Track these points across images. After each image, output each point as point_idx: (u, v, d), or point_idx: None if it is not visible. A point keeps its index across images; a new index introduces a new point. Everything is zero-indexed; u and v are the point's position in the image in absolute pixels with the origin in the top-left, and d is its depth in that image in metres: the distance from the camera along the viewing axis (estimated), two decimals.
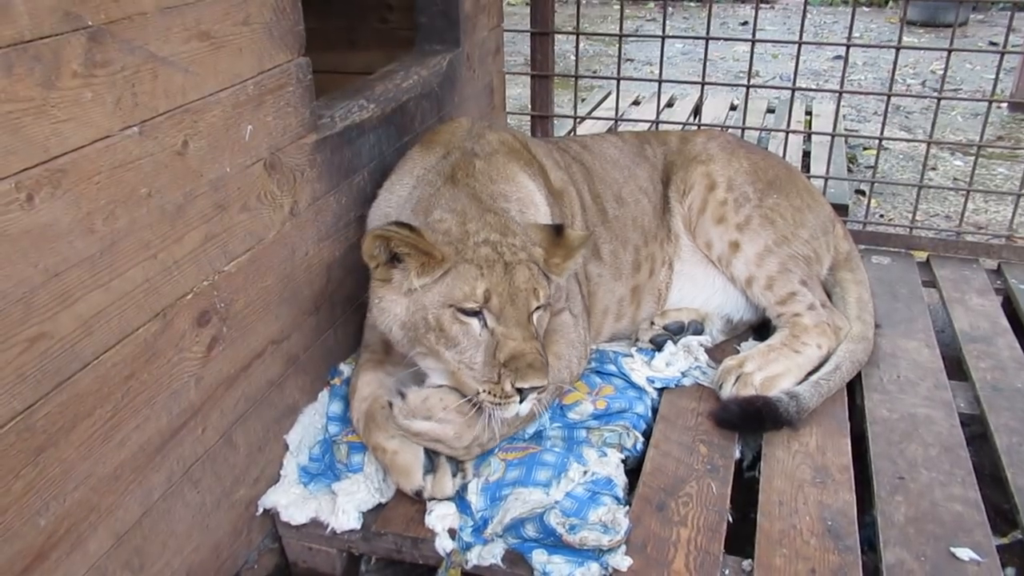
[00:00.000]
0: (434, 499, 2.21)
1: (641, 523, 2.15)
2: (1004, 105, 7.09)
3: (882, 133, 3.90)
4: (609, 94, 6.94)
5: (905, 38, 5.55)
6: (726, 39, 7.24)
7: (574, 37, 4.33)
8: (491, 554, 2.12)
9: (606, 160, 3.06)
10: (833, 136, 4.19)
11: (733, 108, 6.77)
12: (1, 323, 1.44)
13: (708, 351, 2.89)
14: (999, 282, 3.56)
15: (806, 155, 5.64)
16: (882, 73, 8.61)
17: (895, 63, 3.73)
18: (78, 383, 1.61)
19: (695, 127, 4.43)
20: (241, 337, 2.10)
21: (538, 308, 2.14)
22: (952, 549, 2.09)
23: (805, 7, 3.79)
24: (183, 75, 1.78)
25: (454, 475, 2.24)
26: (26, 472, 1.53)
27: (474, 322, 2.08)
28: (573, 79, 4.29)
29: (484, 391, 2.07)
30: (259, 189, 2.09)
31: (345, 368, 2.58)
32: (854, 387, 2.77)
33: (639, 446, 2.43)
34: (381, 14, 3.89)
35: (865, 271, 3.14)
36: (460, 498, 2.23)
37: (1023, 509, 2.25)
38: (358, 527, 2.23)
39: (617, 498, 2.18)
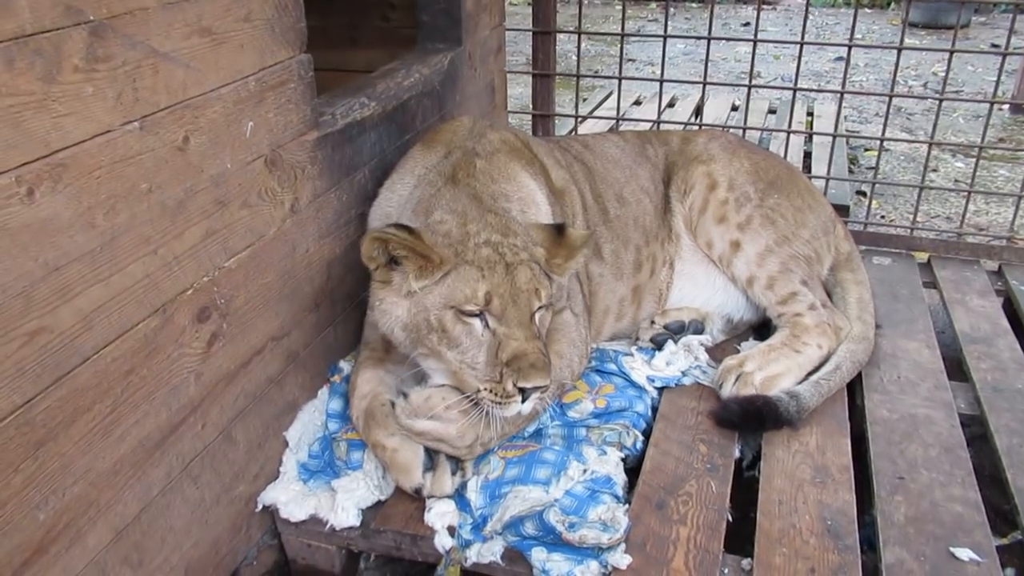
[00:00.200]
0: (433, 497, 2.21)
1: (641, 521, 2.15)
2: (1005, 107, 7.09)
3: (883, 134, 3.90)
4: (611, 94, 6.94)
5: (907, 39, 5.55)
6: (728, 39, 7.25)
7: (576, 37, 4.33)
8: (490, 552, 2.11)
9: (607, 159, 3.06)
10: (834, 137, 4.19)
11: (735, 108, 6.77)
12: (1, 317, 1.43)
13: (708, 350, 2.89)
14: (1000, 283, 3.55)
15: (807, 156, 5.63)
16: (884, 74, 8.62)
17: (897, 64, 3.72)
18: (78, 378, 1.61)
19: (697, 127, 4.43)
20: (241, 333, 2.10)
21: (540, 308, 2.14)
22: (952, 549, 2.09)
23: (807, 8, 3.79)
24: (184, 71, 1.78)
25: (453, 473, 2.24)
26: (25, 466, 1.52)
27: (476, 322, 2.08)
28: (575, 79, 4.29)
29: (486, 389, 2.07)
30: (260, 186, 2.09)
31: (345, 365, 2.58)
32: (854, 387, 2.77)
33: (639, 445, 2.42)
34: (383, 12, 3.89)
35: (866, 272, 3.14)
36: (460, 496, 2.23)
37: (1023, 510, 2.24)
38: (357, 524, 2.23)
39: (617, 496, 2.18)
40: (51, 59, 1.46)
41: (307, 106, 2.25)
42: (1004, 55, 3.62)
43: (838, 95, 3.91)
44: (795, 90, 3.93)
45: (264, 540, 2.35)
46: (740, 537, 2.21)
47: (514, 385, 2.02)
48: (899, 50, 3.66)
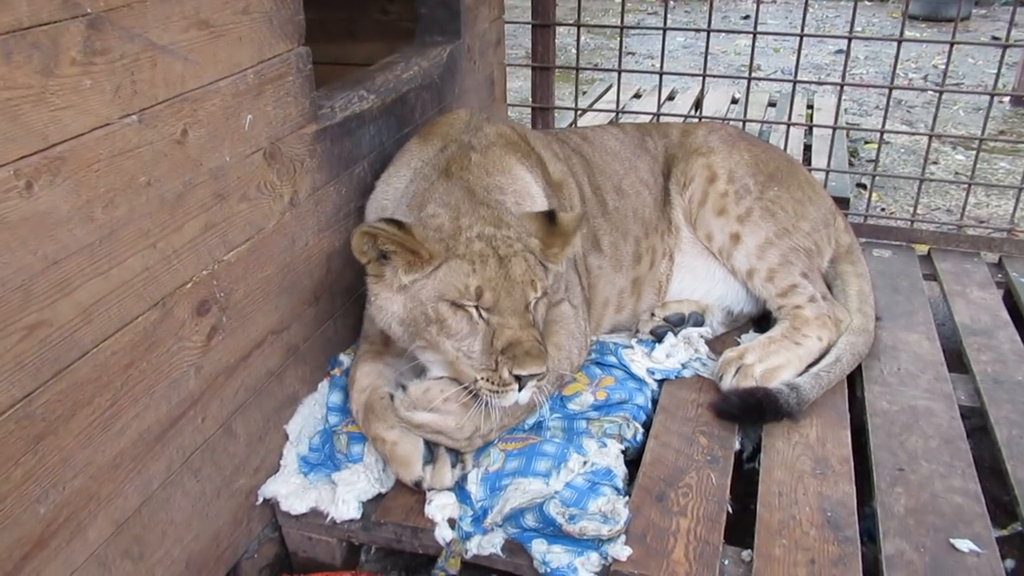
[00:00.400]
0: (433, 489, 2.21)
1: (641, 513, 2.16)
2: (1006, 99, 7.08)
3: (883, 127, 3.89)
4: (610, 87, 6.92)
5: (907, 32, 5.54)
6: (727, 32, 7.24)
7: (575, 30, 4.32)
8: (491, 544, 2.12)
9: (606, 152, 3.05)
10: (834, 129, 4.18)
11: (735, 101, 6.76)
12: (0, 310, 1.43)
13: (708, 343, 2.89)
14: (1000, 275, 3.55)
15: (807, 148, 5.62)
16: (884, 67, 8.60)
17: (897, 57, 3.72)
18: (77, 371, 1.61)
19: (696, 120, 4.42)
20: (241, 327, 2.10)
21: (536, 299, 2.14)
22: (952, 540, 2.09)
23: (807, 1, 3.78)
24: (182, 63, 1.78)
25: (453, 466, 2.24)
26: (25, 460, 1.53)
27: (472, 311, 2.08)
28: (574, 72, 4.28)
29: (483, 379, 2.07)
30: (259, 179, 2.09)
31: (345, 358, 2.58)
32: (854, 379, 2.77)
33: (639, 437, 2.43)
34: (382, 5, 3.88)
35: (866, 264, 3.13)
36: (460, 488, 2.23)
37: (1023, 501, 2.25)
38: (358, 517, 2.23)
39: (617, 488, 2.19)
40: (49, 52, 1.46)
41: (306, 99, 2.24)
42: (1004, 47, 3.61)
43: (838, 87, 3.89)
44: (795, 83, 3.93)
45: (265, 533, 2.35)
46: (740, 529, 2.21)
47: (510, 373, 2.03)
48: (899, 42, 3.65)
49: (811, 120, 6.17)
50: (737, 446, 2.46)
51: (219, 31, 1.87)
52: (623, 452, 2.34)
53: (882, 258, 3.62)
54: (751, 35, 3.87)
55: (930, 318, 3.13)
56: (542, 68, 4.20)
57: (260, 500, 2.28)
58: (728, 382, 2.60)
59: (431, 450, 2.27)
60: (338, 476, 2.29)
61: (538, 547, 2.06)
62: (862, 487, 2.31)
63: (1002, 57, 3.67)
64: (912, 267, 3.55)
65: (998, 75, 3.85)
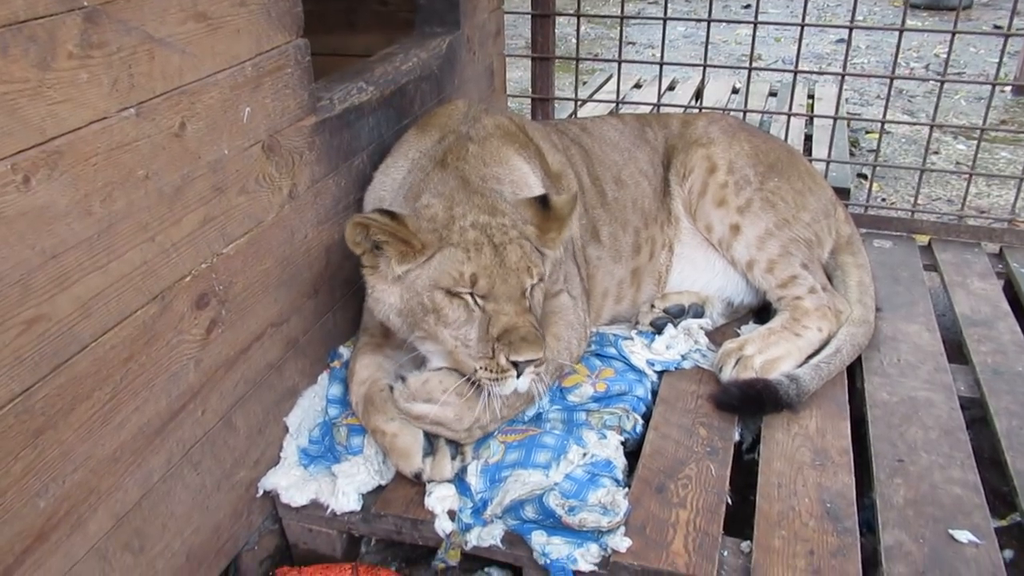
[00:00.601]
0: (433, 481, 2.22)
1: (640, 505, 2.16)
2: (1007, 89, 7.05)
3: (884, 116, 3.88)
4: (610, 77, 6.90)
5: (909, 21, 5.51)
6: (728, 22, 7.21)
7: (575, 19, 4.30)
8: (490, 535, 2.12)
9: (605, 142, 3.05)
10: (835, 119, 4.17)
11: (735, 91, 6.74)
12: None
13: (708, 334, 2.89)
14: (1000, 266, 3.55)
15: (808, 138, 5.61)
16: (885, 56, 8.57)
17: (898, 46, 3.70)
18: (76, 365, 1.61)
19: (697, 110, 4.41)
20: (240, 320, 2.10)
21: (532, 285, 2.14)
22: (951, 531, 2.09)
23: None
24: (180, 56, 1.77)
25: (453, 458, 2.25)
26: (25, 454, 1.53)
27: (468, 298, 2.09)
28: (574, 62, 4.27)
29: (481, 367, 2.07)
30: (257, 172, 2.08)
31: (344, 351, 2.58)
32: (854, 370, 2.77)
33: (639, 428, 2.43)
34: None
35: (866, 254, 3.13)
36: (460, 480, 2.23)
37: (1022, 492, 2.25)
38: (358, 509, 2.24)
39: (616, 480, 2.19)
40: (45, 45, 1.45)
41: (304, 91, 2.24)
42: (1006, 36, 3.59)
43: (839, 77, 3.88)
44: (796, 72, 3.91)
45: (265, 525, 2.36)
46: (739, 520, 2.22)
47: (507, 359, 2.03)
48: (901, 32, 3.63)
49: (812, 110, 6.16)
50: (737, 437, 2.47)
51: (217, 23, 1.86)
52: (623, 443, 2.35)
53: (882, 249, 3.61)
54: (752, 24, 3.86)
55: (930, 309, 3.13)
56: (542, 58, 4.19)
57: (260, 492, 2.29)
58: (728, 373, 2.60)
59: (431, 442, 2.28)
60: (338, 468, 2.29)
61: (538, 539, 2.07)
62: (861, 478, 2.32)
63: (1004, 46, 3.65)
64: (912, 258, 3.54)
65: (1000, 64, 3.83)
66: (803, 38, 3.83)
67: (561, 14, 4.33)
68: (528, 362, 2.05)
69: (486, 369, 2.07)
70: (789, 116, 4.58)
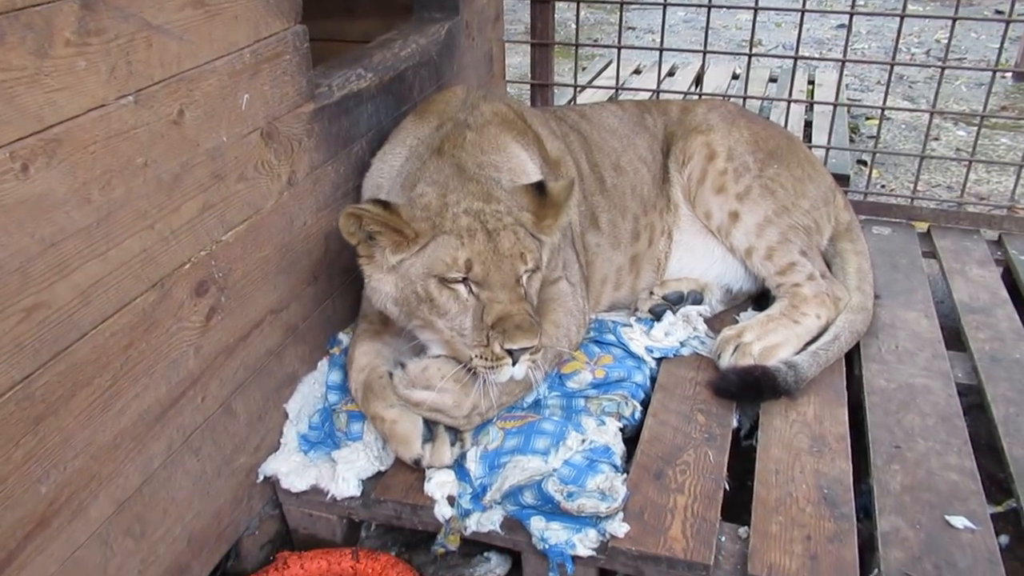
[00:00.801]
0: (433, 467, 2.23)
1: (639, 491, 2.17)
2: (1008, 75, 7.03)
3: (885, 103, 3.87)
4: (610, 63, 6.88)
5: (910, 6, 5.48)
6: (728, 7, 7.18)
7: (575, 5, 4.29)
8: (490, 521, 2.14)
9: (604, 129, 3.04)
10: (835, 106, 4.16)
11: (735, 77, 6.72)
12: None
13: (707, 321, 2.89)
14: (999, 253, 3.55)
15: (808, 125, 5.60)
16: (886, 42, 8.54)
17: (899, 32, 3.69)
18: (76, 352, 1.62)
19: (696, 96, 4.40)
20: (240, 307, 2.10)
21: (527, 272, 2.14)
22: (947, 517, 2.11)
23: None
24: (178, 43, 1.76)
25: (452, 444, 2.26)
26: (26, 441, 1.54)
27: (461, 288, 2.09)
28: (574, 47, 4.25)
29: (476, 355, 2.08)
30: (256, 159, 2.08)
31: (344, 337, 2.59)
32: (852, 357, 2.78)
33: (637, 415, 2.44)
34: None
35: (865, 241, 3.13)
36: (459, 466, 2.24)
37: (1018, 478, 2.26)
38: (358, 494, 2.25)
39: (615, 466, 2.20)
40: (43, 33, 1.45)
41: (303, 78, 2.23)
42: (1007, 22, 3.58)
43: (839, 63, 3.87)
44: (796, 58, 3.90)
45: (265, 510, 2.37)
46: (737, 506, 2.23)
47: (501, 347, 2.03)
48: (901, 17, 3.62)
49: (812, 96, 6.14)
50: (735, 424, 2.48)
51: (214, 10, 1.86)
52: (621, 430, 2.36)
53: (882, 236, 3.61)
54: (752, 10, 3.85)
55: (929, 296, 3.13)
56: (541, 44, 4.17)
57: (260, 478, 2.30)
58: (726, 360, 2.61)
59: (430, 428, 2.29)
60: (338, 454, 2.30)
61: (536, 524, 2.08)
62: (859, 464, 2.33)
63: (1005, 32, 3.64)
64: (911, 245, 3.54)
65: (1000, 50, 3.82)
66: (803, 23, 3.81)
67: None
68: (523, 350, 2.05)
69: (482, 358, 2.07)
70: (789, 102, 4.57)
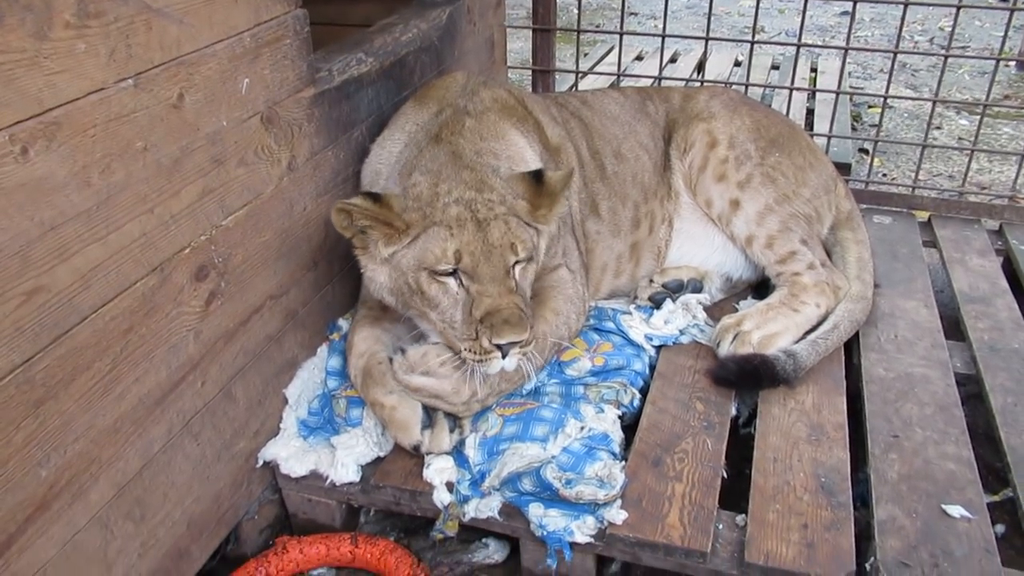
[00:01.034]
0: (431, 453, 2.24)
1: (637, 478, 2.18)
2: (1012, 64, 7.00)
3: (887, 91, 3.86)
4: (612, 49, 6.85)
5: None
6: None
7: None
8: (488, 507, 2.15)
9: (606, 116, 3.03)
10: (838, 94, 4.14)
11: (737, 64, 6.69)
12: None
13: (707, 309, 2.89)
14: (1000, 243, 3.54)
15: (810, 113, 5.58)
16: (889, 29, 8.50)
17: (902, 19, 3.67)
18: (76, 336, 1.62)
19: (699, 83, 4.38)
20: (239, 292, 2.10)
21: (517, 263, 2.13)
22: (944, 506, 2.11)
23: None
24: (178, 27, 1.76)
25: (451, 431, 2.26)
26: (26, 424, 1.54)
27: (450, 281, 2.08)
28: (575, 33, 4.23)
29: (465, 349, 2.08)
30: (256, 143, 2.07)
31: (343, 323, 2.59)
32: (851, 346, 2.78)
33: (636, 403, 2.44)
34: None
35: (866, 230, 3.13)
36: (458, 452, 2.25)
37: (1015, 467, 2.27)
38: (357, 480, 2.26)
39: (613, 453, 2.21)
40: (42, 15, 1.44)
41: (303, 62, 2.22)
42: (1012, 10, 3.57)
43: (842, 51, 3.85)
44: (799, 46, 3.88)
45: (265, 495, 2.38)
46: (735, 494, 2.23)
47: (490, 342, 2.02)
48: (905, 5, 3.60)
49: (815, 84, 6.12)
50: (733, 412, 2.48)
51: None
52: (620, 417, 2.36)
53: (882, 225, 3.61)
54: None
55: (928, 285, 3.13)
56: (543, 30, 4.15)
57: (260, 463, 2.31)
58: (726, 348, 2.61)
59: (429, 415, 2.29)
60: (337, 440, 2.31)
61: (535, 511, 2.09)
62: (856, 453, 2.34)
63: (1009, 20, 3.62)
64: (912, 234, 3.54)
65: (1004, 38, 3.80)
66: (807, 10, 3.79)
67: None
68: (511, 344, 2.04)
69: (470, 351, 2.06)
70: (791, 90, 4.55)
